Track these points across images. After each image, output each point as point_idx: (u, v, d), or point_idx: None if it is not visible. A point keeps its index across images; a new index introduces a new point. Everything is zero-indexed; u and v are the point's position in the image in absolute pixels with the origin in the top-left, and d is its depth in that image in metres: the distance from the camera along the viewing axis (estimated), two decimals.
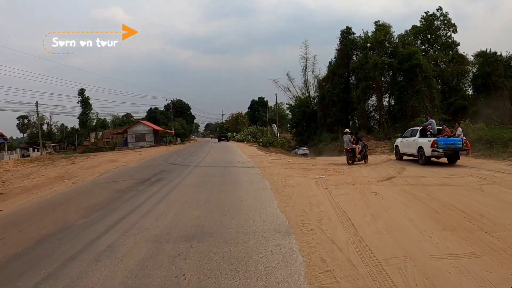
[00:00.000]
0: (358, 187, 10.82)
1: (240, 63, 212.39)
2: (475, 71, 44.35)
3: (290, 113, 64.43)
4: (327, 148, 47.08)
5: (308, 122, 57.33)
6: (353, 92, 49.81)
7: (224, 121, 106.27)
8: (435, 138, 16.50)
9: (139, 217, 7.84)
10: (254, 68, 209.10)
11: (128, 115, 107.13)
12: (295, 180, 12.08)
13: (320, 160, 23.37)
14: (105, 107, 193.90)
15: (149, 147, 60.64)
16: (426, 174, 13.92)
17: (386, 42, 46.30)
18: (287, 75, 62.85)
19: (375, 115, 49.35)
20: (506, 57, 42.68)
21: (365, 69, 45.80)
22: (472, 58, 45.87)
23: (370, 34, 48.20)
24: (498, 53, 42.60)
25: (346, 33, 52.48)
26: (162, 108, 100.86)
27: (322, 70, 59.39)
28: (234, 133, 69.61)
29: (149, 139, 69.33)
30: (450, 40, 48.69)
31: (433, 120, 18.98)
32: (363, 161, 19.10)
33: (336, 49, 53.97)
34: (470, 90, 45.50)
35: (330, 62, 55.32)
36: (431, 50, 49.73)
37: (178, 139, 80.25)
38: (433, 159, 16.99)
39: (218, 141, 62.79)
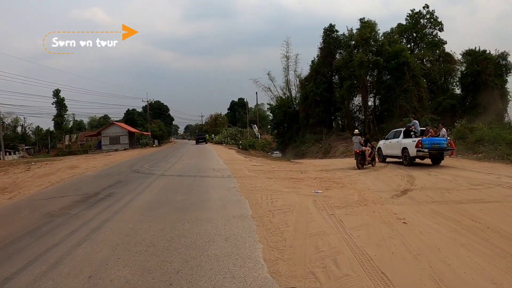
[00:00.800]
0: (375, 210, 7.62)
1: (221, 64, 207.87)
2: (463, 69, 42.03)
3: (271, 114, 61.39)
4: (310, 150, 44.22)
5: (289, 123, 54.14)
6: (336, 92, 47.01)
7: (203, 123, 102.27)
8: (420, 138, 16.24)
9: (30, 281, 4.44)
10: (235, 69, 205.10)
11: (105, 117, 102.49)
12: (285, 199, 8.74)
13: (308, 165, 20.17)
14: (82, 109, 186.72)
15: (124, 150, 56.74)
16: (444, 185, 11.20)
17: (372, 40, 43.65)
18: (268, 74, 59.52)
19: (359, 115, 46.58)
20: (496, 55, 40.54)
21: (349, 68, 43.07)
22: (459, 57, 43.67)
23: (355, 31, 45.41)
24: (487, 51, 40.42)
25: (329, 31, 49.53)
26: (140, 110, 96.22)
27: (304, 69, 56.38)
28: (213, 134, 65.93)
29: (124, 141, 65.28)
30: (436, 39, 46.43)
31: (417, 121, 18.67)
32: (370, 165, 17.39)
33: (319, 48, 51.01)
34: (458, 89, 43.24)
35: (312, 61, 52.28)
36: (417, 49, 47.37)
37: (156, 141, 76.19)
38: (417, 160, 16.93)
39: (196, 144, 59.24)
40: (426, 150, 15.93)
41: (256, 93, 36.10)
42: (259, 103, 78.06)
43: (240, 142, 35.97)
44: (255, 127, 37.07)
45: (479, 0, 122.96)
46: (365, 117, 43.90)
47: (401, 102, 38.23)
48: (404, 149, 17.00)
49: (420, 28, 47.17)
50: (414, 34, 47.59)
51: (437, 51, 45.84)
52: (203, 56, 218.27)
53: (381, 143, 20.24)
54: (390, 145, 18.81)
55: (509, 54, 40.51)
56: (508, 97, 40.14)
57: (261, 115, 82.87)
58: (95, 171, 20.00)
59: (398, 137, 18.09)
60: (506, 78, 40.38)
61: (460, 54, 43.18)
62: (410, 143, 16.60)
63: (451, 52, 45.27)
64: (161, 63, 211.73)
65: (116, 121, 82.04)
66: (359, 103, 46.02)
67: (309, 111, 47.35)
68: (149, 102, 75.00)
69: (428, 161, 17.19)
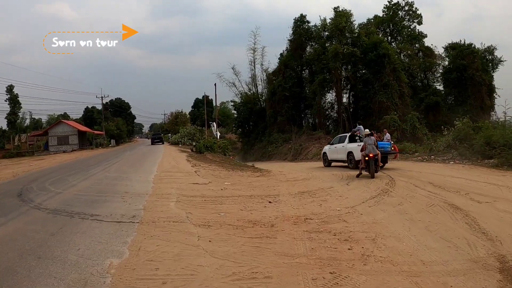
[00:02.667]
0: None
1: (188, 62, 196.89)
2: (447, 64, 37.19)
3: (235, 112, 54.89)
4: (278, 151, 38.22)
5: (255, 121, 47.60)
6: (307, 87, 41.23)
7: (165, 121, 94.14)
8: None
9: None
10: (202, 68, 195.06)
11: (65, 115, 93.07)
12: None
13: (279, 177, 13.86)
14: (40, 105, 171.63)
15: (71, 151, 48.64)
16: None
17: (347, 32, 38.02)
18: (233, 68, 52.44)
19: (332, 113, 40.82)
20: (482, 49, 35.91)
21: (322, 60, 37.28)
22: (441, 51, 38.88)
23: (328, 21, 39.58)
24: (473, 45, 35.71)
25: (300, 21, 43.38)
26: (100, 107, 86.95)
27: (272, 63, 49.67)
28: (169, 134, 58.65)
29: (73, 141, 56.73)
30: (416, 32, 41.39)
31: (362, 127, 19.25)
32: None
33: (288, 40, 44.69)
34: (440, 85, 38.37)
35: (281, 54, 46.00)
36: (394, 42, 42.13)
37: (112, 141, 67.99)
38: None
39: (151, 144, 52.03)
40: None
41: (215, 84, 29.46)
42: (224, 100, 71.39)
43: (194, 144, 29.28)
44: (213, 125, 30.54)
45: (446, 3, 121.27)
46: (338, 114, 38.21)
47: (380, 98, 32.84)
48: (350, 153, 17.21)
49: (398, 20, 42.06)
50: (391, 26, 42.40)
51: (417, 45, 40.86)
52: (171, 54, 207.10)
53: (326, 148, 20.31)
54: (335, 150, 18.89)
55: (496, 48, 36.15)
56: (495, 95, 35.62)
57: (226, 113, 76.21)
58: None
59: (343, 141, 18.35)
60: (493, 74, 35.91)
61: (443, 47, 38.42)
62: (355, 147, 16.66)
63: (431, 46, 40.41)
64: (128, 61, 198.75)
65: (76, 119, 72.88)
66: (332, 100, 40.37)
67: (277, 108, 41.19)
68: (103, 97, 66.58)
69: None
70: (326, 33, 40.15)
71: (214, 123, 31.28)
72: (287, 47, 45.21)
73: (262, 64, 50.14)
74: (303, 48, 43.34)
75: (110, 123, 74.07)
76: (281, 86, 40.89)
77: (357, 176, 13.22)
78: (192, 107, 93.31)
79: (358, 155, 15.78)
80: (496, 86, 35.43)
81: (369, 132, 14.28)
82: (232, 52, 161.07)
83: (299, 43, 42.90)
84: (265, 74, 48.99)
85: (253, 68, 50.52)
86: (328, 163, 19.77)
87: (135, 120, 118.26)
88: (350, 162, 17.15)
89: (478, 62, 33.92)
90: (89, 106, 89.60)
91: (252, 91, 51.01)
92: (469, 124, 21.00)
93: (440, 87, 38.08)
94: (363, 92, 35.28)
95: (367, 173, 13.14)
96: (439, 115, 33.92)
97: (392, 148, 17.03)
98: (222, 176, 13.42)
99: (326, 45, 38.90)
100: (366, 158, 13.09)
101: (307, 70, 43.62)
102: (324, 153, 20.39)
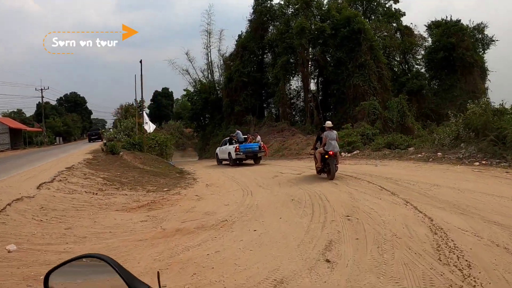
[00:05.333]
0: None
1: (156, 56, 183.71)
2: (430, 44, 30.74)
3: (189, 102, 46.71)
4: None
5: (211, 112, 39.62)
6: (269, 73, 33.96)
7: (118, 116, 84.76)
8: (238, 145, 18.71)
9: None
10: (170, 61, 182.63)
11: (19, 112, 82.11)
12: None
13: (187, 196, 6.46)
14: None
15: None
16: None
17: (315, 7, 31.00)
18: (187, 54, 44.24)
19: (298, 102, 33.83)
20: (471, 27, 29.66)
21: (286, 39, 30.12)
22: (422, 30, 32.58)
23: None
24: (461, 22, 29.43)
25: None
26: (54, 103, 76.45)
27: (231, 47, 41.93)
28: (110, 129, 49.89)
29: (5, 140, 46.69)
30: (394, 9, 34.87)
31: (240, 132, 20.94)
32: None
33: (248, 20, 37.22)
34: (422, 68, 31.91)
35: (239, 35, 38.37)
36: (369, 22, 35.42)
37: (59, 138, 58.40)
38: (242, 161, 19.04)
39: (89, 141, 43.53)
40: (242, 153, 18.37)
41: (141, 61, 21.53)
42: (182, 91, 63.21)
43: (105, 142, 21.50)
44: (143, 113, 22.90)
45: None
46: (305, 103, 31.07)
47: (355, 80, 26.01)
48: (229, 154, 19.25)
49: None
50: (365, 4, 35.64)
51: (394, 24, 34.29)
52: (138, 48, 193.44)
53: (218, 149, 22.00)
54: (222, 151, 20.79)
55: (487, 26, 30.00)
56: (487, 78, 29.50)
57: (188, 107, 68.03)
58: None
59: (226, 144, 20.34)
60: (483, 55, 29.71)
61: (425, 25, 32.03)
62: (232, 148, 18.95)
63: (411, 26, 33.98)
64: (94, 55, 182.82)
65: (29, 116, 64.81)
66: (298, 87, 33.36)
67: (234, 96, 33.66)
68: (43, 90, 56.61)
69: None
70: (291, 10, 33.10)
71: (144, 112, 23.55)
72: (246, 28, 37.70)
73: (219, 50, 42.24)
74: (264, 28, 35.96)
75: (57, 119, 64.46)
76: (239, 71, 33.49)
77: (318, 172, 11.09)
78: (151, 100, 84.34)
79: (233, 155, 18.49)
80: (488, 69, 29.30)
81: (331, 125, 11.07)
82: (201, 46, 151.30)
83: (260, 23, 35.48)
84: (222, 60, 41.29)
85: (208, 52, 42.55)
86: (219, 161, 21.43)
87: (98, 116, 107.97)
88: (230, 160, 19.14)
89: (468, 41, 27.64)
90: (41, 102, 79.36)
91: (208, 79, 43.14)
92: (489, 108, 14.22)
93: (423, 71, 31.66)
94: (335, 75, 28.31)
95: (320, 174, 11.00)
96: (424, 101, 27.53)
97: (262, 148, 19.06)
98: (55, 217, 5.57)
99: (291, 23, 31.84)
100: (326, 156, 10.45)
101: (270, 54, 36.39)
102: (217, 153, 22.07)
